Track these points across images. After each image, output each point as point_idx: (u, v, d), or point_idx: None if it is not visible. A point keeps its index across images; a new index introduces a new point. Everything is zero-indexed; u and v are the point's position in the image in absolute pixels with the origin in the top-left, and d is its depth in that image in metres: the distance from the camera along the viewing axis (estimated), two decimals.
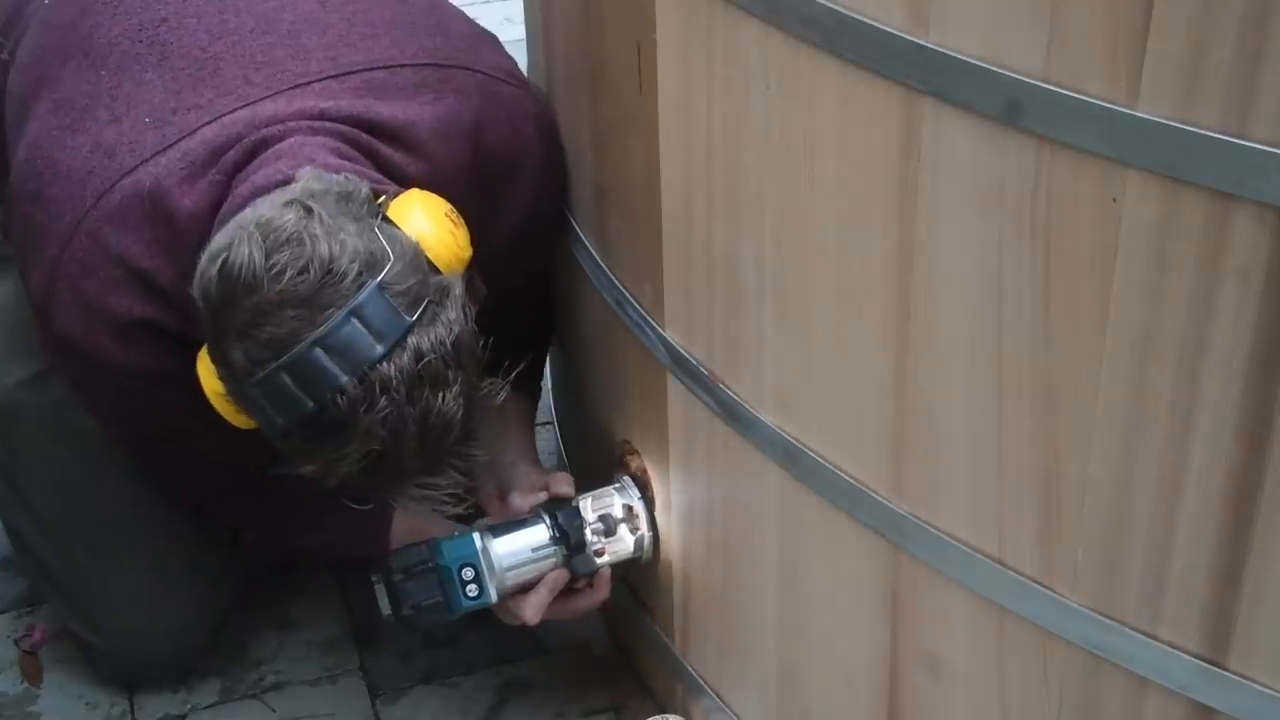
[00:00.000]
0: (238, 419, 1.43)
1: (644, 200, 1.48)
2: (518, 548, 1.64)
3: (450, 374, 1.36)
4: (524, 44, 1.94)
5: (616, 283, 1.62)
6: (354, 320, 1.32)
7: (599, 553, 1.67)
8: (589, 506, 1.68)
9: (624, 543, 1.68)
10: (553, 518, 1.65)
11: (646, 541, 1.68)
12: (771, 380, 1.40)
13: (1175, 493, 1.09)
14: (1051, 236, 1.08)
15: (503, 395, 1.43)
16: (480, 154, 1.61)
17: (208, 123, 1.49)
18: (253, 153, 1.47)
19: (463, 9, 1.76)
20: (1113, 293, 1.06)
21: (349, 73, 1.54)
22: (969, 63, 1.06)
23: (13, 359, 1.73)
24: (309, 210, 1.34)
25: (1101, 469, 1.13)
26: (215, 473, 1.71)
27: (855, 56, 1.15)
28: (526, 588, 1.65)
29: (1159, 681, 1.16)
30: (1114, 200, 1.03)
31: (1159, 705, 1.18)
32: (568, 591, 1.68)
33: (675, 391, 1.55)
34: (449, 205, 1.44)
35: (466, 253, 1.43)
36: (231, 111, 1.50)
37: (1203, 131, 0.96)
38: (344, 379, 1.32)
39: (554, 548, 1.65)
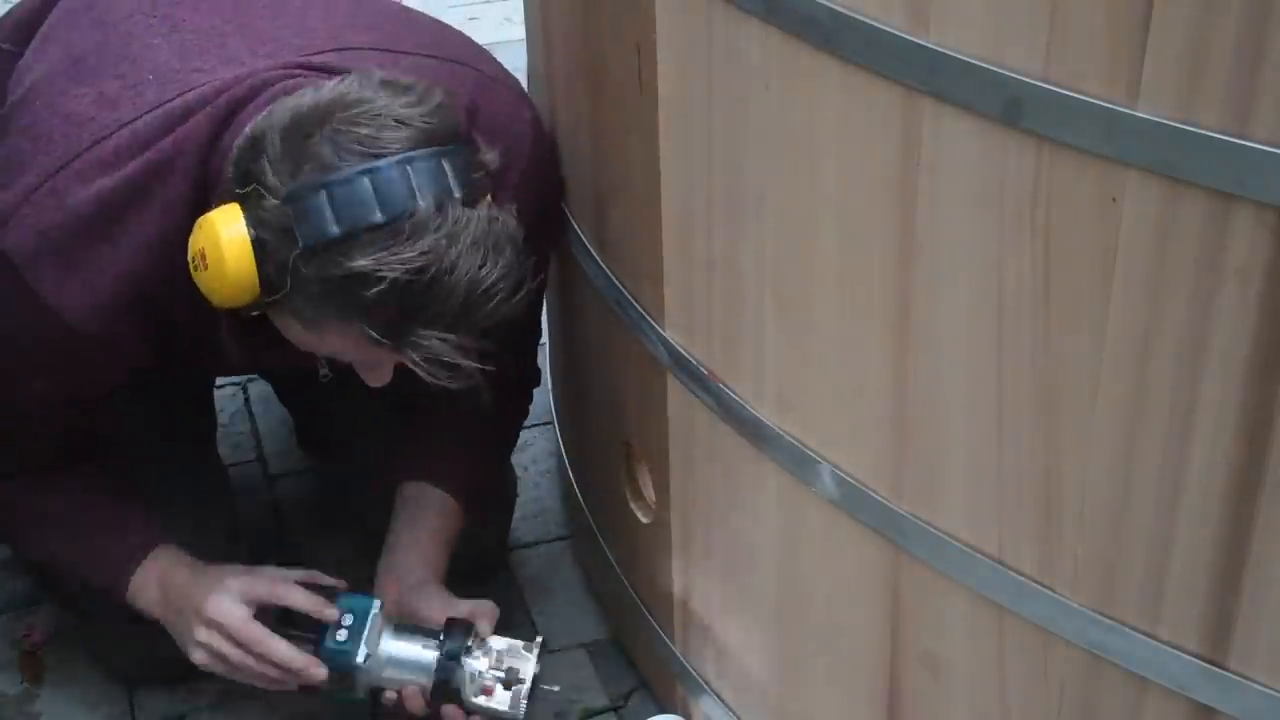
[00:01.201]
0: (239, 264, 1.36)
1: (644, 200, 1.48)
2: (406, 651, 1.63)
3: (510, 252, 1.37)
4: (524, 44, 1.94)
5: (616, 283, 1.62)
6: (444, 162, 1.34)
7: (487, 690, 1.62)
8: (497, 647, 1.64)
9: (503, 701, 1.63)
10: (445, 634, 1.63)
11: (522, 710, 1.62)
12: (771, 380, 1.40)
13: (1175, 493, 1.09)
14: (1051, 236, 1.08)
15: (468, 610, 1.45)
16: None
17: (209, 81, 1.50)
18: (256, 90, 1.47)
19: (463, 9, 1.77)
20: (1113, 293, 1.06)
21: (349, 48, 1.56)
22: (969, 63, 1.06)
23: None
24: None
25: (1101, 469, 1.13)
26: (29, 452, 1.66)
27: (855, 56, 1.15)
28: (394, 686, 1.63)
29: (1159, 681, 1.16)
30: (1114, 200, 1.03)
31: (1159, 705, 1.18)
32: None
33: (675, 391, 1.55)
34: None
35: None
36: (233, 73, 1.50)
37: (1203, 131, 0.96)
38: (422, 198, 1.32)
39: (434, 656, 1.62)
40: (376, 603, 1.63)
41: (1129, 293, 1.05)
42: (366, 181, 1.32)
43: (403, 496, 1.78)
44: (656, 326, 1.54)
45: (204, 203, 1.43)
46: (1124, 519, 1.13)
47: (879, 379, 1.27)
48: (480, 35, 1.82)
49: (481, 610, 1.68)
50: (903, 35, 1.10)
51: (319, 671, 1.61)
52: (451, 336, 1.36)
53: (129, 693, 1.90)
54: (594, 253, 1.68)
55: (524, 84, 1.96)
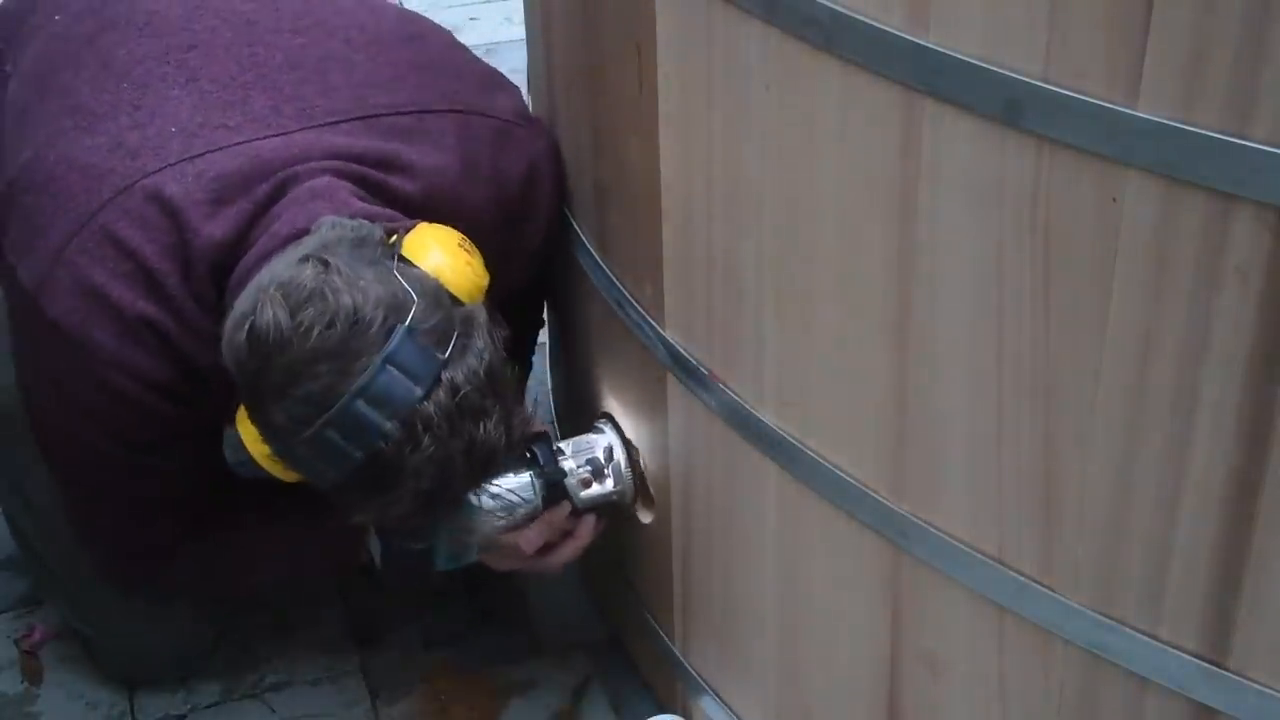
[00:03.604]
0: (287, 475, 1.44)
1: (644, 200, 1.48)
2: (502, 485, 1.64)
3: (488, 403, 1.38)
4: (524, 44, 1.95)
5: (616, 283, 1.62)
6: (389, 368, 1.33)
7: (585, 482, 1.68)
8: (570, 449, 1.69)
9: (606, 483, 1.69)
10: (529, 450, 1.66)
11: (626, 478, 1.69)
12: (771, 380, 1.40)
13: (1175, 493, 1.09)
14: (1051, 236, 1.08)
15: (537, 422, 1.45)
16: (501, 197, 1.63)
17: (239, 143, 1.49)
18: (283, 187, 1.48)
19: (463, 9, 1.77)
20: (1113, 293, 1.06)
21: (376, 115, 1.56)
22: (969, 63, 1.06)
23: (11, 358, 1.72)
24: (325, 264, 1.35)
25: (1101, 469, 1.13)
26: (174, 500, 1.66)
27: (855, 56, 1.15)
28: (512, 528, 1.66)
29: (1159, 681, 1.16)
30: (1114, 200, 1.03)
31: (1159, 705, 1.18)
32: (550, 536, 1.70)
33: (675, 391, 1.55)
34: (461, 235, 1.45)
35: (485, 279, 1.45)
36: (263, 139, 1.50)
37: (1203, 131, 0.96)
38: (388, 426, 1.33)
39: (530, 477, 1.65)
40: None
41: (1129, 293, 1.05)
42: (330, 433, 1.34)
43: None
44: (656, 326, 1.54)
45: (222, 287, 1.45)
46: (1124, 519, 1.13)
47: (879, 379, 1.27)
48: (480, 35, 1.83)
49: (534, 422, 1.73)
50: (903, 35, 1.10)
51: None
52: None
53: (129, 693, 1.90)
54: (594, 253, 1.68)
55: (524, 84, 1.97)
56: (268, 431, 1.39)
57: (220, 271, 1.46)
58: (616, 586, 1.90)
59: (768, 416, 1.41)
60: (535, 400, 2.18)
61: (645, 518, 1.73)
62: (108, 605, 1.82)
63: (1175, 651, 1.14)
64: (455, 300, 1.40)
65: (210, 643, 1.90)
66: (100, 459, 1.58)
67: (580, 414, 1.95)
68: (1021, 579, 1.22)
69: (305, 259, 1.36)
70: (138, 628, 1.83)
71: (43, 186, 1.51)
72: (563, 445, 1.69)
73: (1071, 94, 1.01)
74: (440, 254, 1.42)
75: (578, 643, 1.97)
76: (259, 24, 1.59)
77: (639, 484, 1.70)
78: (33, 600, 2.00)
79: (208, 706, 1.88)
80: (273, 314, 1.33)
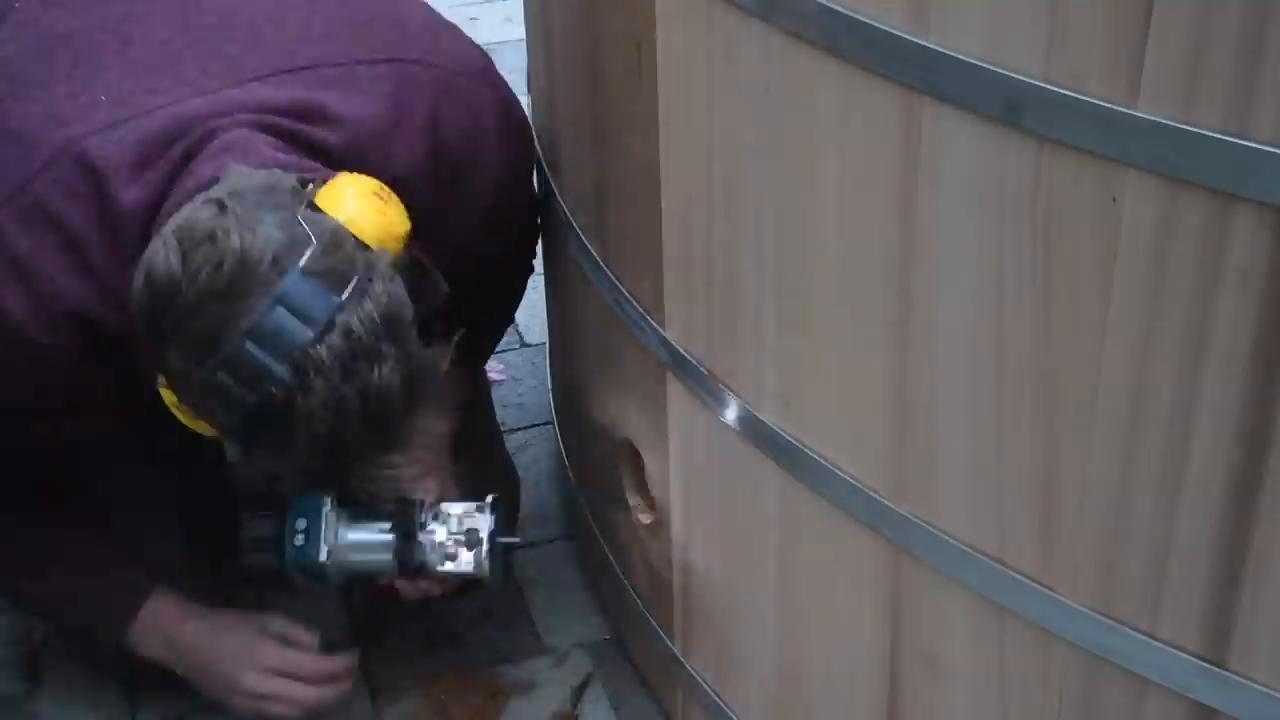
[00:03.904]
0: (203, 428, 1.43)
1: (644, 200, 1.48)
2: (366, 536, 1.69)
3: (383, 346, 1.35)
4: (524, 44, 1.95)
5: (616, 283, 1.62)
6: (279, 308, 1.32)
7: (451, 556, 1.68)
8: (454, 513, 1.70)
9: (467, 559, 1.69)
10: (401, 508, 1.69)
11: (486, 567, 1.68)
12: (771, 380, 1.40)
13: (1175, 493, 1.09)
14: (1051, 236, 1.08)
15: (445, 363, 1.43)
16: (438, 150, 1.59)
17: (162, 106, 1.48)
18: (200, 143, 1.46)
19: (463, 9, 1.76)
20: (1113, 292, 1.06)
21: (304, 67, 1.54)
22: (969, 63, 1.06)
23: None
24: (223, 206, 1.35)
25: (1101, 469, 1.13)
26: (21, 479, 1.63)
27: (855, 56, 1.15)
28: (366, 573, 1.71)
29: (1159, 681, 1.16)
30: (1114, 200, 1.03)
31: (1159, 705, 1.18)
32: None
33: (675, 391, 1.55)
34: (379, 184, 1.43)
35: (402, 227, 1.43)
36: (187, 100, 1.49)
37: (1203, 131, 0.96)
38: (278, 369, 1.32)
39: (390, 536, 1.68)
40: (326, 499, 1.67)
41: (1129, 292, 1.05)
42: (221, 375, 1.33)
43: None
44: (656, 326, 1.54)
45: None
46: (1124, 519, 1.13)
47: (879, 379, 1.27)
48: (480, 35, 1.82)
49: (428, 485, 1.75)
50: (903, 35, 1.10)
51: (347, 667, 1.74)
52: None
53: (129, 693, 1.90)
54: (594, 252, 1.68)
55: (524, 84, 1.97)
56: (168, 375, 1.38)
57: (145, 238, 1.44)
58: (616, 586, 1.90)
59: (768, 416, 1.41)
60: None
61: (645, 518, 1.73)
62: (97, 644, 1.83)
63: (1175, 651, 1.14)
64: (362, 246, 1.38)
65: None
66: None
67: (580, 414, 1.96)
68: (1021, 579, 1.22)
69: (207, 201, 1.36)
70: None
71: None
72: (449, 508, 1.70)
73: (1071, 94, 1.01)
74: (352, 199, 1.40)
75: (578, 643, 1.96)
76: None
77: (505, 570, 1.71)
78: None
79: (208, 706, 1.88)
80: (164, 258, 1.33)
